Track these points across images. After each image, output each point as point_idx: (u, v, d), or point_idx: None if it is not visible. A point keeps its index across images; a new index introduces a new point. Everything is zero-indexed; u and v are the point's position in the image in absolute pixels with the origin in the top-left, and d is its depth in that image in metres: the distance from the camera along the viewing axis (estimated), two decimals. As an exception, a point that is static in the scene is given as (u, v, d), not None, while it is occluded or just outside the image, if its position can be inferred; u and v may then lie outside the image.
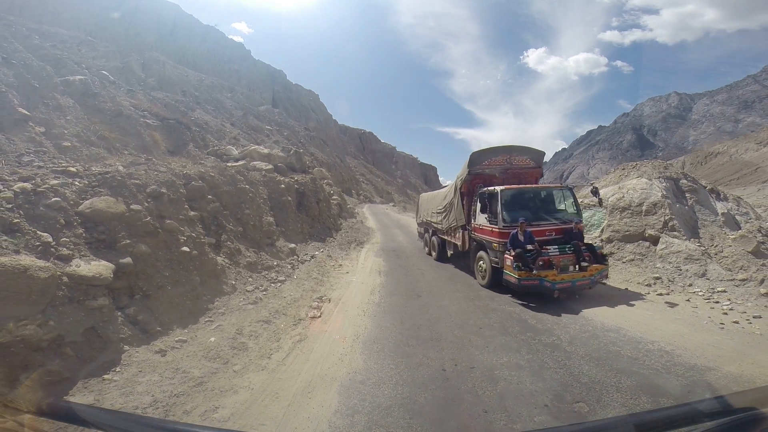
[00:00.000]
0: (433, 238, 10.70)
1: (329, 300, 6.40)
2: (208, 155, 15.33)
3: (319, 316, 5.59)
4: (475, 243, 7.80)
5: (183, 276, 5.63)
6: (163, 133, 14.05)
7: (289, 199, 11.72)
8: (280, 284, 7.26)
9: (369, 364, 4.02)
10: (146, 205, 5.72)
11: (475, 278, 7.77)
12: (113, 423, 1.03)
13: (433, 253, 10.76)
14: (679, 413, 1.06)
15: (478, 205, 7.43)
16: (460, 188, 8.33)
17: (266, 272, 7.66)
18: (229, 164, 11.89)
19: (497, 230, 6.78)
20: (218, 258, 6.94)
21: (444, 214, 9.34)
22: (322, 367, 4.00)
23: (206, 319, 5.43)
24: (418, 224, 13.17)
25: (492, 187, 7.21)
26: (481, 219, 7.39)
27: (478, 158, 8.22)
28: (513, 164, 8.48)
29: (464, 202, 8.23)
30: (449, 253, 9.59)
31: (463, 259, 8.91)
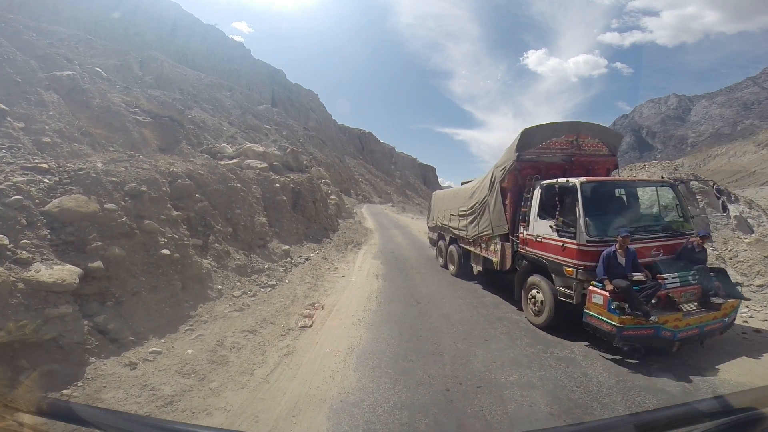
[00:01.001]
0: (452, 247, 8.45)
1: (322, 307, 5.97)
2: (201, 153, 14.90)
3: (311, 326, 5.16)
4: (525, 262, 5.54)
5: (162, 281, 5.19)
6: (154, 131, 13.60)
7: (284, 198, 11.29)
8: (270, 289, 6.82)
9: (363, 383, 3.59)
10: (123, 204, 5.28)
11: (522, 310, 5.54)
12: (113, 423, 1.01)
13: (451, 267, 8.54)
14: (679, 413, 1.04)
15: (534, 205, 5.32)
16: (501, 181, 5.97)
17: (256, 276, 7.22)
18: (221, 162, 11.47)
19: (575, 247, 4.52)
20: (204, 261, 6.51)
21: (471, 218, 7.19)
22: (311, 386, 3.57)
23: (186, 328, 5.00)
24: (430, 229, 10.83)
25: (564, 179, 4.93)
26: (540, 227, 5.15)
27: (533, 137, 5.72)
28: (581, 149, 6.09)
29: (507, 202, 5.91)
30: (476, 269, 7.39)
31: (497, 279, 6.94)
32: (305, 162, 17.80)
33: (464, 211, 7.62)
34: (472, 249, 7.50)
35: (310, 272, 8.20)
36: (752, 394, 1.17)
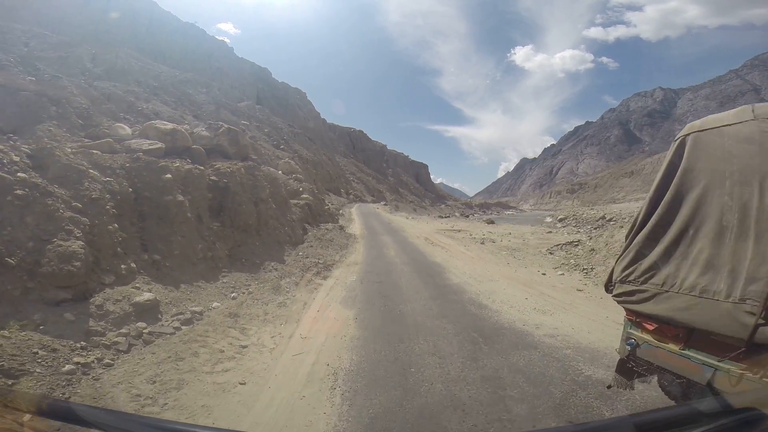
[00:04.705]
0: None
1: None
2: (84, 137, 10.15)
3: None
4: None
5: None
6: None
7: (180, 199, 6.38)
8: None
9: None
10: None
11: None
12: (113, 423, 0.96)
13: None
14: (679, 413, 1.01)
15: None
16: None
17: None
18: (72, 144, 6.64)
19: None
20: None
21: None
22: None
23: None
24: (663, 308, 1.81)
25: None
26: None
27: None
28: None
29: None
30: None
31: None
32: (251, 148, 12.96)
33: None
34: None
35: (151, 380, 3.21)
36: (752, 394, 1.22)
